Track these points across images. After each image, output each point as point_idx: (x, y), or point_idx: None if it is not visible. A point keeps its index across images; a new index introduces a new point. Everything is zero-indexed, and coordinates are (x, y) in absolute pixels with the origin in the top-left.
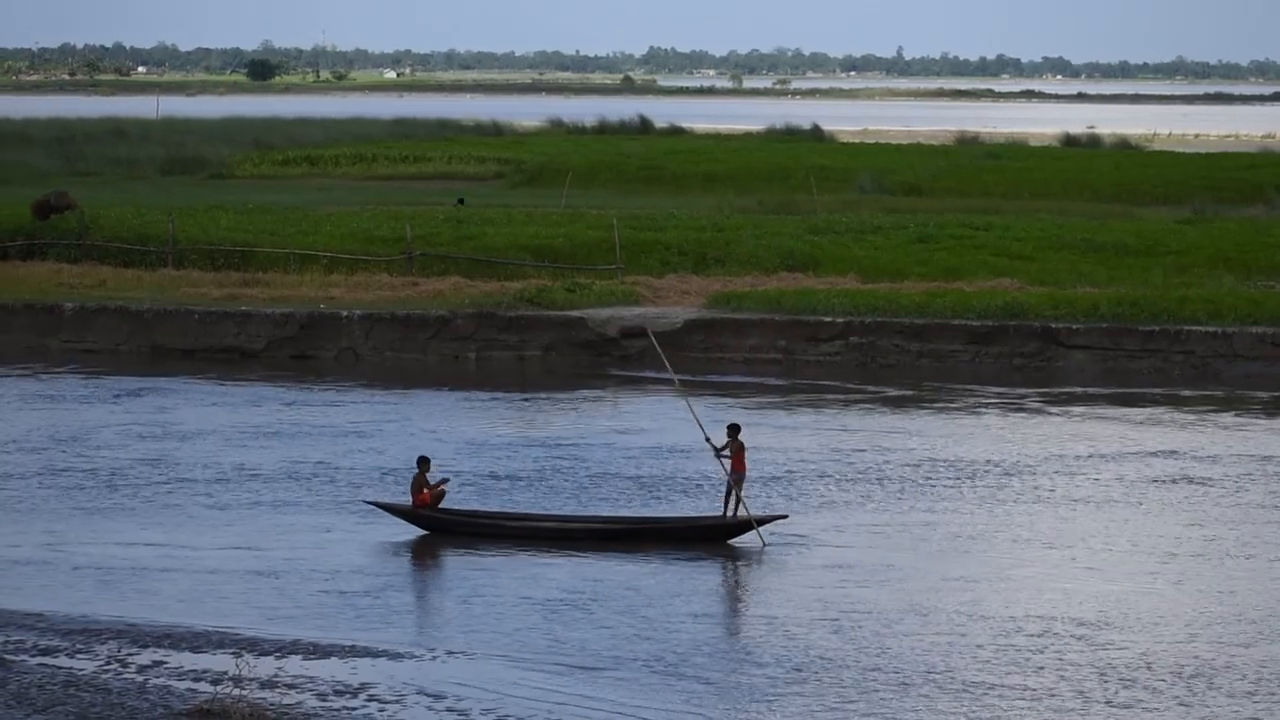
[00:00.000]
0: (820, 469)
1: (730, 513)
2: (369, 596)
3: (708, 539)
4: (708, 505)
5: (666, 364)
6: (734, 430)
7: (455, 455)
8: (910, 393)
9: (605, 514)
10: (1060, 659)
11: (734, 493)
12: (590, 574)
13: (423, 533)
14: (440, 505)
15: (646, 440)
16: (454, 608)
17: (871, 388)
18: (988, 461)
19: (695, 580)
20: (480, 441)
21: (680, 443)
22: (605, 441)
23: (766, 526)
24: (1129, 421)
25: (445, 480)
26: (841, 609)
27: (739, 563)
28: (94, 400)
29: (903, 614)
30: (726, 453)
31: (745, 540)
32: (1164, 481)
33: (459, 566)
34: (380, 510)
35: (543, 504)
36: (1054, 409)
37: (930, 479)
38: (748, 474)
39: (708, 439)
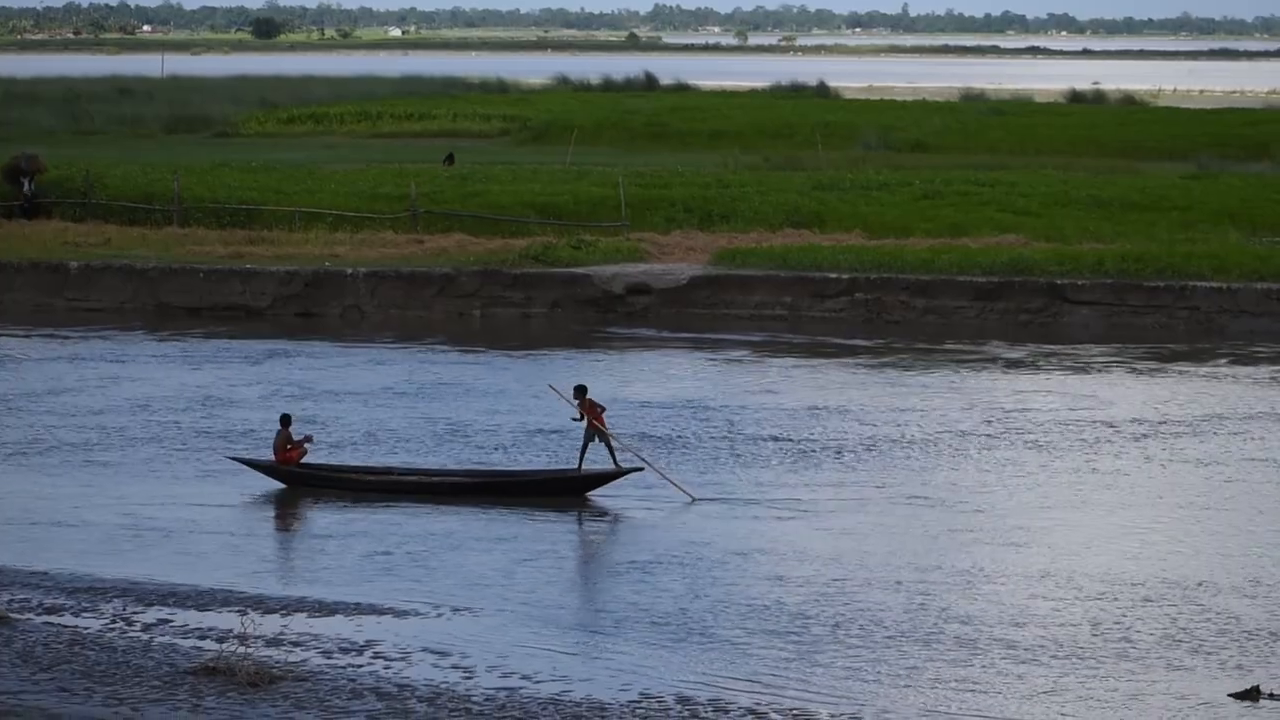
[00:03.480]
0: (970, 428)
1: (581, 466)
2: (407, 557)
3: (565, 492)
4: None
5: (566, 398)
6: (580, 391)
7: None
8: (1021, 355)
9: (464, 468)
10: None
11: (586, 447)
12: (603, 532)
13: (283, 486)
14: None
15: (785, 401)
16: (463, 566)
17: (988, 348)
18: (1134, 420)
19: (781, 538)
20: (610, 398)
21: (818, 403)
22: (740, 404)
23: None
24: (1255, 381)
25: (308, 437)
26: (952, 570)
27: (838, 524)
28: (228, 361)
29: (1036, 577)
30: (576, 414)
31: (669, 494)
32: None
33: (472, 526)
34: (245, 466)
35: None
36: (1173, 367)
37: (1085, 439)
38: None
39: (569, 401)
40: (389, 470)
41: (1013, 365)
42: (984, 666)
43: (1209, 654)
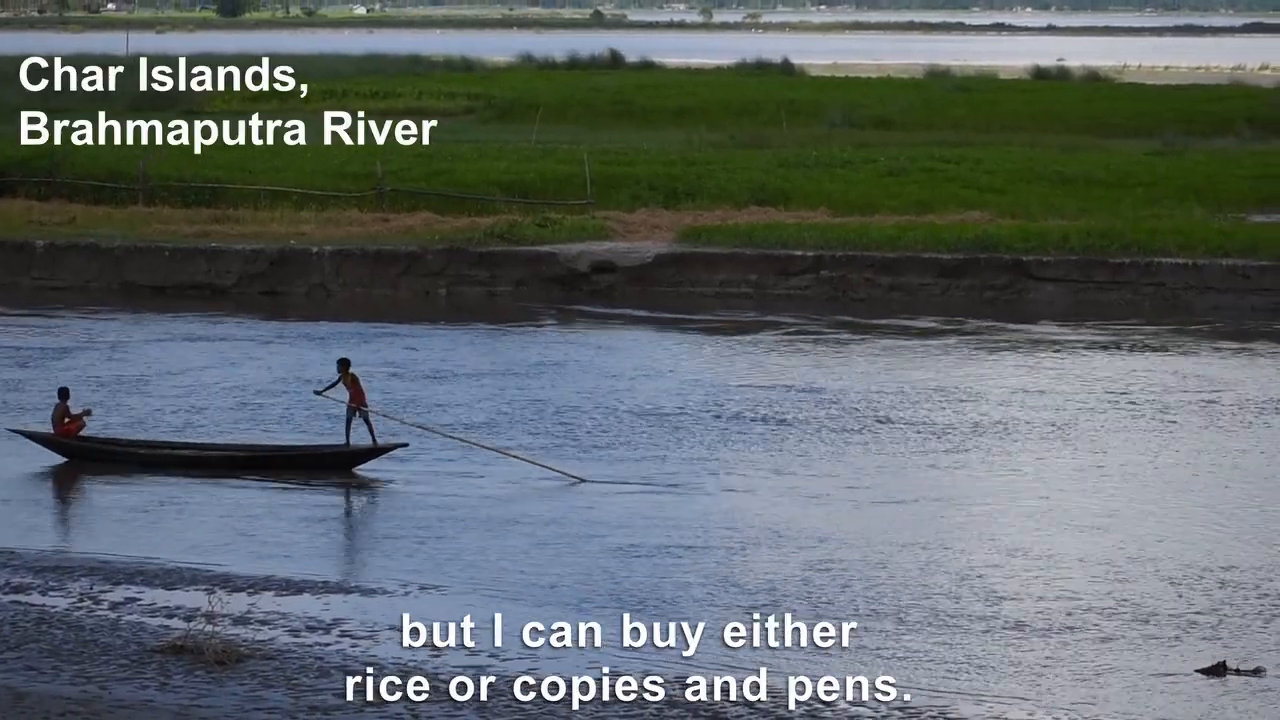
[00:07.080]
0: (1097, 407)
1: (349, 441)
2: (381, 538)
3: (332, 466)
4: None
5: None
6: (344, 365)
7: (669, 395)
8: (1106, 337)
9: (238, 443)
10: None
11: (351, 422)
12: (577, 506)
13: (64, 460)
14: (80, 434)
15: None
16: (433, 545)
17: (1077, 331)
18: (1265, 401)
19: (810, 520)
20: (698, 380)
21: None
22: (827, 386)
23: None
24: None
25: (87, 411)
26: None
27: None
28: (328, 343)
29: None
30: (331, 392)
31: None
32: None
33: (427, 504)
34: (25, 438)
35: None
36: (1261, 346)
37: (1208, 418)
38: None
39: (317, 393)
40: (163, 444)
41: (1097, 346)
42: (964, 641)
43: (1212, 632)
